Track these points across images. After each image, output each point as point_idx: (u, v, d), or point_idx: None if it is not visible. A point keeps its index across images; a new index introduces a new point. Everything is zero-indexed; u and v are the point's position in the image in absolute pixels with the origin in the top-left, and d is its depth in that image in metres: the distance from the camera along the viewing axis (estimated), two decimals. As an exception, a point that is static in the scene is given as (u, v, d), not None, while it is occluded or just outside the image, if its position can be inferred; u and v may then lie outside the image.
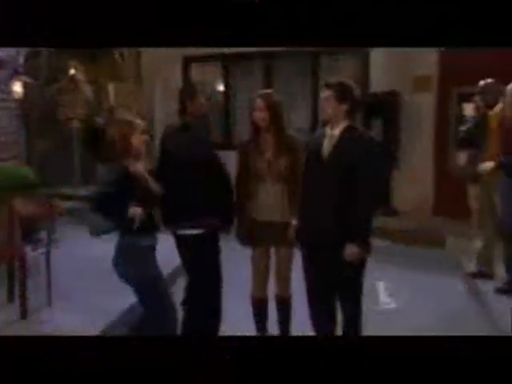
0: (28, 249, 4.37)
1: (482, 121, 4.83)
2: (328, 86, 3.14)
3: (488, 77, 4.88)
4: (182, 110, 3.53)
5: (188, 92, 3.57)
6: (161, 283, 3.31)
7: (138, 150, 3.23)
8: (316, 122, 7.82)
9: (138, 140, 3.22)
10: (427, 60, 7.31)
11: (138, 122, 3.32)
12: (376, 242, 3.25)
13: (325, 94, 3.14)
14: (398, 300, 4.64)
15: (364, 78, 7.76)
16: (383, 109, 7.45)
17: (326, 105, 3.13)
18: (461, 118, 7.01)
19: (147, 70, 8.70)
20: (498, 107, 4.69)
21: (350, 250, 3.03)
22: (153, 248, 3.28)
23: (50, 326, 3.95)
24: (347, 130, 3.11)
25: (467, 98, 6.78)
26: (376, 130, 7.15)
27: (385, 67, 7.60)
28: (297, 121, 8.10)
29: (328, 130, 3.16)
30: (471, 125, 5.02)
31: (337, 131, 3.11)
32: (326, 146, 3.13)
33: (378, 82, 7.63)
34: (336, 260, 3.08)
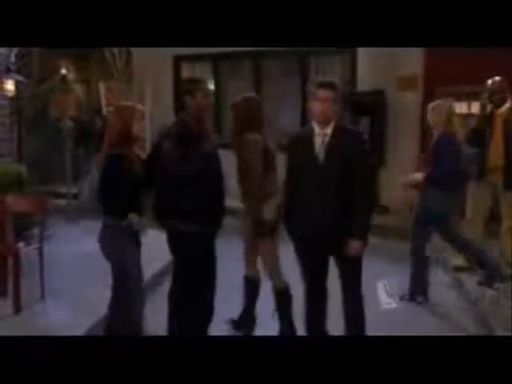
0: (21, 244, 4.42)
1: (486, 120, 4.93)
2: (325, 85, 3.10)
3: (473, 77, 4.96)
4: (180, 107, 3.44)
5: (193, 86, 3.37)
6: (135, 271, 3.34)
7: (138, 137, 3.29)
8: (305, 121, 7.89)
9: (138, 126, 3.28)
10: (413, 59, 7.39)
11: (139, 106, 3.39)
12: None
13: (323, 94, 3.08)
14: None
15: (352, 78, 7.86)
16: (370, 108, 7.53)
17: (325, 105, 3.08)
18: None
19: (138, 69, 8.74)
20: (505, 107, 4.81)
21: (353, 245, 3.09)
22: (132, 231, 3.30)
23: (43, 320, 4.01)
24: (338, 128, 3.15)
25: (455, 97, 6.90)
26: (363, 129, 7.24)
27: (372, 66, 7.69)
28: (286, 120, 8.20)
29: (317, 129, 3.17)
30: (476, 124, 5.07)
31: (328, 130, 3.13)
32: (319, 145, 3.14)
33: (366, 81, 7.72)
34: (337, 259, 3.22)
